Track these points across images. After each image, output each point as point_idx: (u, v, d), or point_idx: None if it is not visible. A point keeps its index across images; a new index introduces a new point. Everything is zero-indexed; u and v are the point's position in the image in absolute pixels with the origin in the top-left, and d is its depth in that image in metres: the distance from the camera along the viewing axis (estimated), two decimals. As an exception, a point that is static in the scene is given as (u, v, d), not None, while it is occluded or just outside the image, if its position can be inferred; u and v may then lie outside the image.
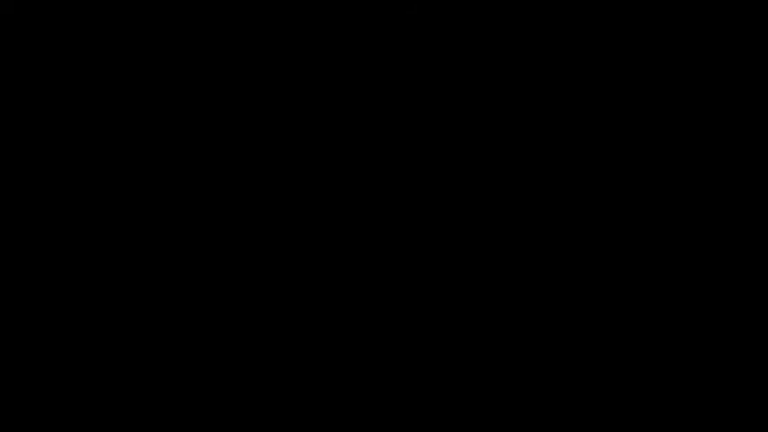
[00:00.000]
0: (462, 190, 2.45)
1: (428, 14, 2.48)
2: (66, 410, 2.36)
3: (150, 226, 2.44)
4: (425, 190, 2.45)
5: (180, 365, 2.39)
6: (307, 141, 2.47)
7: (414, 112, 2.47)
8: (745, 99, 2.44)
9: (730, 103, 2.45)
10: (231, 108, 2.48)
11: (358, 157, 2.46)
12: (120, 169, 2.45)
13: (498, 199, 2.44)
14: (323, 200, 2.45)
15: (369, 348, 2.40)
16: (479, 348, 2.39)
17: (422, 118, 2.47)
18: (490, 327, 2.40)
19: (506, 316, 2.40)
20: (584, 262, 2.41)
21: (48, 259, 2.41)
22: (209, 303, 2.41)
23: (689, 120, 2.45)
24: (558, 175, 2.44)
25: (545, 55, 2.47)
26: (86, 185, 2.44)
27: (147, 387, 2.37)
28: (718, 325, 2.37)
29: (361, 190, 2.45)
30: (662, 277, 2.40)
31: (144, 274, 2.42)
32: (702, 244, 2.41)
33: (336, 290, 2.42)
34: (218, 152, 2.46)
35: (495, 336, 2.40)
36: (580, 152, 2.45)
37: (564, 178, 2.44)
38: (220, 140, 2.47)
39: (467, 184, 2.45)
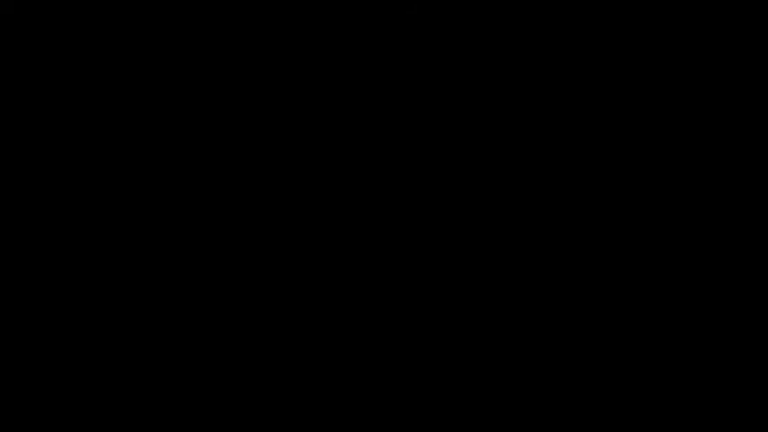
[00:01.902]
0: (462, 189, 2.45)
1: (428, 14, 2.48)
2: (66, 410, 2.36)
3: (150, 226, 2.44)
4: (426, 190, 2.45)
5: (180, 365, 2.39)
6: (307, 141, 2.47)
7: (414, 112, 2.47)
8: (745, 99, 2.44)
9: (730, 103, 2.45)
10: (231, 108, 2.48)
11: (358, 157, 2.46)
12: (121, 169, 2.45)
13: (498, 199, 2.44)
14: (323, 200, 2.45)
15: (369, 348, 2.40)
16: (479, 348, 2.39)
17: (422, 118, 2.47)
18: (490, 327, 2.40)
19: (506, 316, 2.40)
20: (584, 262, 2.41)
21: (48, 259, 2.41)
22: (209, 303, 2.41)
23: (689, 120, 2.45)
24: (558, 175, 2.44)
25: (545, 55, 2.47)
26: (86, 185, 2.44)
27: (147, 387, 2.37)
28: (718, 325, 2.37)
29: (361, 190, 2.45)
30: (662, 277, 2.40)
31: (144, 274, 2.42)
32: (702, 244, 2.41)
33: (336, 290, 2.42)
34: (218, 152, 2.46)
35: (495, 336, 2.40)
36: (580, 152, 2.45)
37: (564, 178, 2.44)
38: (221, 140, 2.47)
39: (467, 184, 2.45)
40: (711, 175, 2.43)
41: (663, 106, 2.46)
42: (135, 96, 2.47)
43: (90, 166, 2.45)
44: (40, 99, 2.47)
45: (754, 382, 2.34)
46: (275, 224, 2.44)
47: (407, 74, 2.48)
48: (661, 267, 2.40)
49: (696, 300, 2.39)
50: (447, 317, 2.41)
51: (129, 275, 2.42)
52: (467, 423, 2.36)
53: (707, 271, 2.40)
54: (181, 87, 2.47)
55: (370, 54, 2.48)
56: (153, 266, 2.42)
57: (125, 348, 2.39)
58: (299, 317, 2.41)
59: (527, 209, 2.43)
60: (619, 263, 2.41)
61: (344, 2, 2.48)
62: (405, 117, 2.47)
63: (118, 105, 2.47)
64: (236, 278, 2.42)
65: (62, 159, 2.45)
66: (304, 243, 2.44)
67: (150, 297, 2.41)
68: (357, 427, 2.36)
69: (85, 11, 2.48)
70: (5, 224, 2.42)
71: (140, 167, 2.45)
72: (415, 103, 2.47)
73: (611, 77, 2.46)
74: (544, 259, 2.42)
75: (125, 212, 2.44)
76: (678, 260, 2.41)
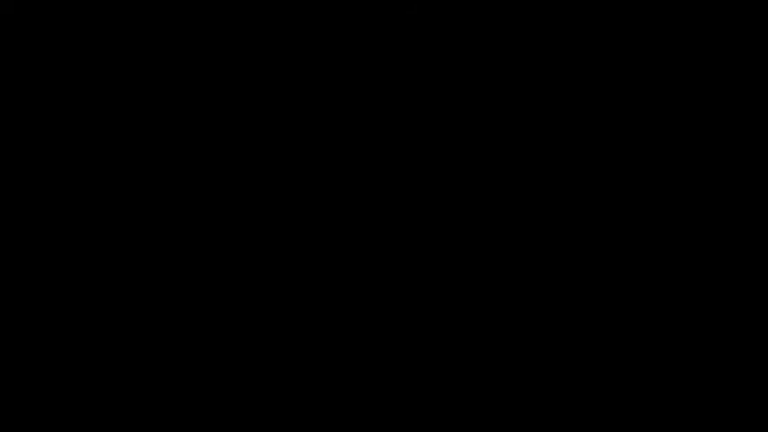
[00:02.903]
0: (462, 189, 2.45)
1: (428, 14, 2.48)
2: (66, 410, 2.36)
3: (150, 226, 2.44)
4: (425, 190, 2.45)
5: (180, 365, 2.39)
6: (307, 141, 2.47)
7: (414, 112, 2.47)
8: (745, 99, 2.44)
9: (730, 104, 2.45)
10: (231, 108, 2.48)
11: (358, 157, 2.46)
12: (121, 169, 2.45)
13: (498, 199, 2.44)
14: (323, 200, 2.45)
15: (369, 348, 2.40)
16: (479, 348, 2.39)
17: (422, 118, 2.47)
18: (490, 327, 2.40)
19: (506, 316, 2.40)
20: (583, 262, 2.41)
21: (48, 259, 2.41)
22: (209, 303, 2.41)
23: (689, 120, 2.45)
24: (557, 175, 2.44)
25: (545, 55, 2.47)
26: (86, 185, 2.44)
27: (147, 387, 2.37)
28: (718, 325, 2.37)
29: (361, 190, 2.45)
30: (662, 277, 2.40)
31: (144, 274, 2.42)
32: (702, 244, 2.41)
33: (336, 290, 2.42)
34: (218, 152, 2.46)
35: (495, 336, 2.40)
36: (580, 152, 2.45)
37: (564, 178, 2.44)
38: (221, 141, 2.47)
39: (467, 184, 2.45)
40: (711, 175, 2.43)
41: (663, 106, 2.45)
42: (135, 96, 2.47)
43: (90, 166, 2.45)
44: (40, 99, 2.47)
45: (754, 383, 2.34)
46: (275, 224, 2.44)
47: (407, 74, 2.48)
48: (661, 267, 2.40)
49: (696, 300, 2.39)
50: (447, 317, 2.41)
51: (128, 275, 2.42)
52: (467, 423, 2.36)
53: (707, 271, 2.40)
54: (181, 87, 2.47)
55: (371, 54, 2.48)
56: (153, 266, 2.42)
57: (125, 348, 2.39)
58: (299, 317, 2.41)
59: (527, 208, 2.43)
60: (618, 263, 2.41)
61: (344, 2, 2.48)
62: (405, 117, 2.47)
63: (118, 105, 2.47)
64: (235, 278, 2.42)
65: (62, 159, 2.45)
66: (304, 243, 2.44)
67: (150, 297, 2.41)
68: (357, 428, 2.36)
69: (85, 11, 2.48)
70: (5, 224, 2.42)
71: (140, 167, 2.45)
72: (415, 103, 2.47)
73: (611, 77, 2.46)
74: (544, 259, 2.42)
75: (125, 212, 2.44)
76: (678, 260, 2.41)
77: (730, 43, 2.46)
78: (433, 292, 2.42)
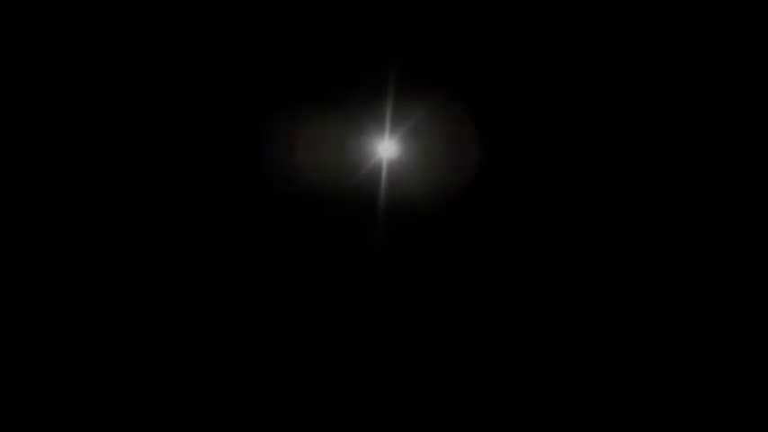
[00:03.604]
0: (462, 189, 2.45)
1: (428, 14, 2.48)
2: (66, 410, 2.36)
3: (150, 226, 2.44)
4: (425, 189, 2.45)
5: (180, 365, 2.39)
6: (306, 141, 2.47)
7: (413, 112, 2.48)
8: (746, 99, 2.45)
9: (730, 104, 2.45)
10: (231, 108, 2.48)
11: (357, 157, 2.47)
12: (120, 169, 2.46)
13: (498, 199, 2.44)
14: (322, 199, 2.45)
15: (369, 348, 2.40)
16: (479, 348, 2.40)
17: (421, 118, 2.47)
18: (490, 327, 2.41)
19: (506, 316, 2.41)
20: (584, 262, 2.42)
21: (48, 259, 2.42)
22: (209, 303, 2.42)
23: (689, 120, 2.45)
24: (558, 175, 2.45)
25: (545, 55, 2.48)
26: (86, 185, 2.45)
27: (148, 387, 2.38)
28: (718, 325, 2.38)
29: (360, 189, 2.45)
30: (662, 277, 2.40)
31: (144, 274, 2.42)
32: (702, 244, 2.41)
33: (336, 290, 2.43)
34: (217, 152, 2.47)
35: (496, 336, 2.40)
36: (580, 152, 2.45)
37: (564, 178, 2.44)
38: (220, 140, 2.47)
39: (466, 184, 2.45)
40: (711, 175, 2.43)
41: (663, 106, 2.46)
42: (135, 96, 2.48)
43: (90, 166, 2.46)
44: (40, 99, 2.47)
45: (754, 382, 2.34)
46: (275, 223, 2.45)
47: (407, 74, 2.48)
48: (661, 267, 2.41)
49: (696, 300, 2.39)
50: (447, 317, 2.42)
51: (128, 275, 2.42)
52: (467, 423, 2.36)
53: (707, 271, 2.40)
54: (181, 87, 2.48)
55: (370, 54, 2.49)
56: (153, 266, 2.43)
57: (125, 348, 2.40)
58: (299, 316, 2.42)
59: (526, 208, 2.44)
60: (619, 263, 2.41)
61: (345, 2, 2.49)
62: (404, 116, 2.48)
63: (117, 105, 2.48)
64: (235, 278, 2.43)
65: (62, 159, 2.46)
66: (304, 242, 2.44)
67: (150, 297, 2.42)
68: (357, 428, 2.37)
69: (85, 11, 2.49)
70: (5, 224, 2.43)
71: (140, 167, 2.46)
72: (414, 103, 2.48)
73: (611, 77, 2.46)
74: (544, 260, 2.42)
75: (125, 212, 2.44)
76: (678, 260, 2.41)
77: (730, 43, 2.46)
78: (433, 291, 2.42)
